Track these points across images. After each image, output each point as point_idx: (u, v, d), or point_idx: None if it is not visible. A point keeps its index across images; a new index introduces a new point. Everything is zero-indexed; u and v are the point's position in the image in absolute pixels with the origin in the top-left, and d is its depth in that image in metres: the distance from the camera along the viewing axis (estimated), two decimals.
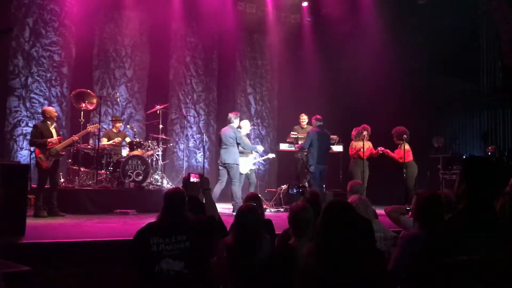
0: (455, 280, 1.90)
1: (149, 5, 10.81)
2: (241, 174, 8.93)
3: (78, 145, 8.19)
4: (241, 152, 8.89)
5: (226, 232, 4.09)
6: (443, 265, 1.90)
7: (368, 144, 8.89)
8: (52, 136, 7.29)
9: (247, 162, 9.01)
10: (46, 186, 7.32)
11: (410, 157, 8.60)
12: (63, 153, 7.58)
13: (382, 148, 8.78)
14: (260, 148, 9.20)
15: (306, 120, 9.94)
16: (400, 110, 10.32)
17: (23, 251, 4.15)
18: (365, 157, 8.72)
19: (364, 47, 11.17)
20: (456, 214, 2.22)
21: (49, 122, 7.38)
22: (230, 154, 8.37)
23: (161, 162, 9.08)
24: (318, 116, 8.98)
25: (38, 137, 7.22)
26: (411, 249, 2.85)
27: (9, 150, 9.56)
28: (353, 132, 9.01)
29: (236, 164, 8.40)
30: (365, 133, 8.79)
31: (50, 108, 7.72)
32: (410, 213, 3.50)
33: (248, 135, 9.48)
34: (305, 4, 12.68)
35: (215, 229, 3.75)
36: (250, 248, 3.38)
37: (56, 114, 7.62)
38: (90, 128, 7.98)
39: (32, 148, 7.80)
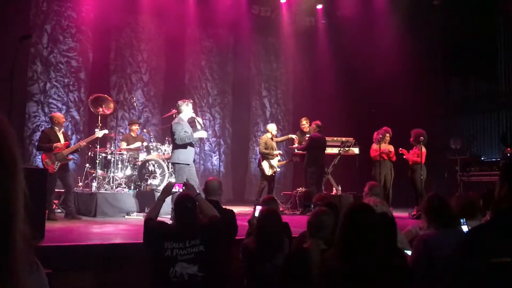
0: (496, 281, 1.88)
1: (165, 10, 10.90)
2: (265, 175, 9.00)
3: (96, 149, 8.27)
4: (267, 154, 8.94)
5: (235, 228, 4.18)
6: (486, 265, 1.88)
7: (390, 147, 8.82)
8: (59, 142, 7.38)
9: (272, 164, 9.02)
10: (57, 190, 7.50)
11: (422, 160, 8.50)
12: (71, 158, 7.64)
13: (401, 149, 8.71)
14: (202, 134, 7.33)
15: (307, 125, 9.93)
16: (417, 112, 10.23)
17: (43, 254, 4.22)
18: (386, 159, 8.68)
19: (379, 48, 11.10)
20: (499, 215, 2.20)
21: (57, 128, 7.48)
22: (174, 152, 6.98)
23: None
24: (318, 122, 9.06)
25: (45, 142, 7.34)
26: (428, 250, 2.86)
27: (28, 155, 9.71)
28: (375, 135, 8.92)
29: (178, 164, 6.88)
30: (387, 136, 8.75)
31: (58, 114, 7.83)
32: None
33: (271, 138, 9.38)
34: (319, 6, 12.65)
35: (223, 228, 3.78)
36: (273, 251, 3.39)
37: (63, 120, 7.70)
38: (98, 134, 7.87)
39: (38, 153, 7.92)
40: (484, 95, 10.98)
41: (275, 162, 9.13)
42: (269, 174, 9.05)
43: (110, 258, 4.60)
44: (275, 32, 12.75)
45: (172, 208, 5.95)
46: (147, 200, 8.05)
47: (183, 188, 4.05)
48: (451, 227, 3.00)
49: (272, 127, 9.38)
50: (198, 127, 7.29)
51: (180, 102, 7.24)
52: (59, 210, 7.88)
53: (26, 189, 0.95)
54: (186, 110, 7.12)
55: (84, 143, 7.84)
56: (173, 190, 4.01)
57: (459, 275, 2.01)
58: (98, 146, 8.24)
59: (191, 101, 7.44)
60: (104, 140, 8.81)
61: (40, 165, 9.26)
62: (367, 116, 10.22)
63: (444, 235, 2.87)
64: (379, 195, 4.62)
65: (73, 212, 7.35)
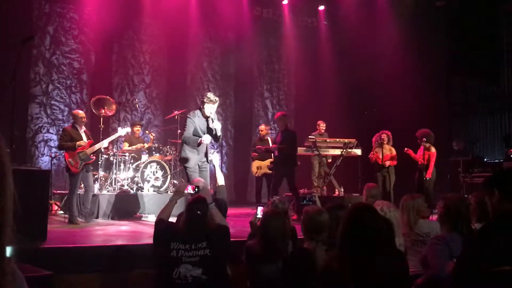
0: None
1: (167, 12, 10.91)
2: (254, 175, 8.97)
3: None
4: (258, 154, 8.89)
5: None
6: (488, 274, 1.86)
7: (388, 149, 8.75)
8: (81, 140, 6.98)
9: (260, 165, 8.94)
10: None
11: (431, 162, 8.44)
12: (94, 157, 7.15)
13: (406, 149, 8.65)
14: (207, 138, 5.89)
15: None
16: (420, 113, 10.20)
17: (45, 256, 4.21)
18: (381, 162, 8.62)
19: (382, 49, 11.09)
20: (498, 220, 2.18)
21: (78, 126, 7.08)
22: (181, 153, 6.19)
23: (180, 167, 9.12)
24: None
25: (67, 141, 6.91)
26: (445, 251, 2.84)
27: (30, 156, 9.72)
28: (373, 139, 8.86)
29: (184, 167, 6.14)
30: (384, 136, 8.68)
31: (78, 111, 7.35)
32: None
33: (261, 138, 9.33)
34: (321, 7, 12.65)
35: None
36: (277, 254, 3.36)
37: (83, 117, 7.19)
38: (120, 131, 7.78)
39: (55, 152, 7.76)
40: (487, 96, 10.95)
41: (265, 163, 8.98)
42: (256, 175, 8.93)
43: (112, 260, 4.59)
44: (277, 33, 12.76)
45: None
46: (149, 202, 8.05)
47: (195, 190, 4.01)
48: (462, 233, 2.93)
49: (260, 128, 9.32)
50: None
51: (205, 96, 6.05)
52: (61, 212, 7.88)
53: (16, 193, 0.89)
54: (205, 107, 5.99)
55: (107, 142, 7.49)
56: (185, 191, 3.99)
57: (466, 275, 2.00)
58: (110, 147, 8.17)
59: (214, 97, 6.01)
60: None
61: (44, 166, 9.36)
62: (369, 117, 10.18)
63: (455, 238, 2.84)
64: (377, 196, 4.55)
65: (89, 214, 7.14)
